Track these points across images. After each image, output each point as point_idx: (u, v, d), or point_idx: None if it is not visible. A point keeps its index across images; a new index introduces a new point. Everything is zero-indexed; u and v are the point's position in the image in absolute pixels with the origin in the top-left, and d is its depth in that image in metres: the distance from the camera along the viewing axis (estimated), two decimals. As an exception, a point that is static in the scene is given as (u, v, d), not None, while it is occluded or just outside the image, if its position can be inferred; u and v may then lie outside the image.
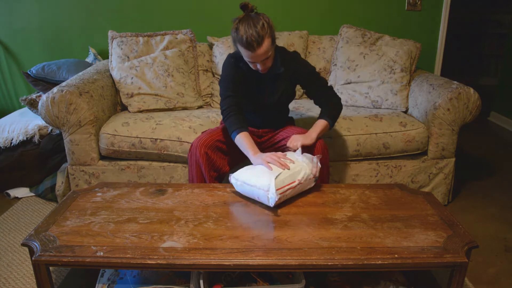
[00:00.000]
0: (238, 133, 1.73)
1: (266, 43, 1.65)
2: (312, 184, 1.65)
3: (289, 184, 1.53)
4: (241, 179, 1.58)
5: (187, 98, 2.49)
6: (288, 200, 1.57)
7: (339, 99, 1.90)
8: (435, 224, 1.43)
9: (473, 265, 1.85)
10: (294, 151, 1.73)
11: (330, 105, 1.87)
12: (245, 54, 1.68)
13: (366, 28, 2.74)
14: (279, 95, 1.90)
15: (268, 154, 1.63)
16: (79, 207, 1.52)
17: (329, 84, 1.96)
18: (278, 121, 2.03)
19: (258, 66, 1.73)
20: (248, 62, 1.75)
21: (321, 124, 1.82)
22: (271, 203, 1.47)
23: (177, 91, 2.46)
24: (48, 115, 2.07)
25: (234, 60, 1.85)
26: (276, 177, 1.50)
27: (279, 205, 1.53)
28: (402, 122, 2.24)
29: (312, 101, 1.98)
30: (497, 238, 2.10)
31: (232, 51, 1.98)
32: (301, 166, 1.59)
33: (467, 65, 5.62)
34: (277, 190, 1.47)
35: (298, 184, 1.55)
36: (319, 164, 1.65)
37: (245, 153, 1.72)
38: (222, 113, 1.82)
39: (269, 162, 1.58)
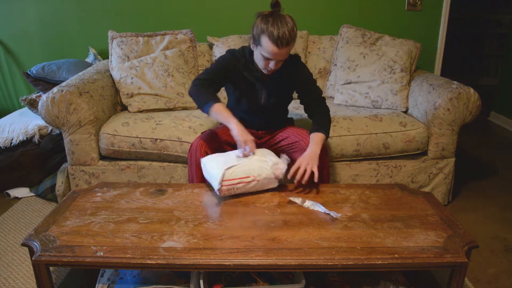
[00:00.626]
0: (214, 103, 1.67)
1: (291, 46, 1.66)
2: (275, 185, 1.64)
3: (241, 178, 1.55)
4: (205, 165, 1.63)
5: (187, 98, 2.48)
6: (288, 200, 1.57)
7: (329, 112, 1.90)
8: (435, 224, 1.43)
9: (473, 265, 1.85)
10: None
11: (325, 119, 1.86)
12: (268, 49, 1.63)
13: (366, 28, 2.74)
14: (276, 97, 1.90)
15: (249, 140, 1.63)
16: (79, 207, 1.52)
17: (323, 94, 1.96)
18: (277, 123, 2.03)
19: (271, 65, 1.69)
20: (261, 58, 1.69)
21: (321, 138, 1.77)
22: (216, 192, 1.54)
23: (177, 91, 2.46)
24: (48, 115, 2.07)
25: (233, 56, 1.82)
26: (229, 168, 1.53)
27: (279, 205, 1.54)
28: (402, 122, 2.24)
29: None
30: (497, 238, 2.10)
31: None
32: (262, 163, 1.59)
33: (467, 65, 5.62)
34: (224, 180, 1.51)
35: (252, 181, 1.57)
36: (285, 167, 1.62)
37: (226, 122, 1.67)
38: (191, 84, 1.76)
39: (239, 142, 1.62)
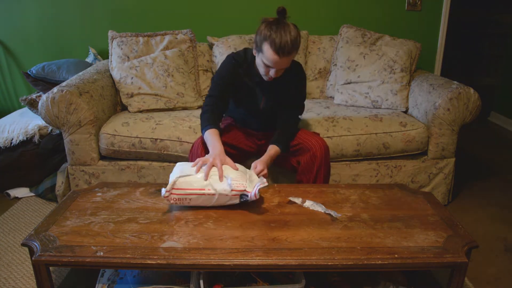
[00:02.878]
0: (207, 130, 1.72)
1: (293, 55, 1.64)
2: (235, 202, 1.49)
3: (192, 189, 1.45)
4: (176, 168, 1.57)
5: (187, 98, 2.49)
6: (288, 200, 1.57)
7: (297, 127, 1.94)
8: (435, 224, 1.43)
9: (473, 265, 1.85)
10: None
11: (289, 134, 1.89)
12: (269, 57, 1.62)
13: (366, 28, 2.74)
14: (274, 102, 1.90)
15: (216, 157, 1.55)
16: (79, 207, 1.52)
17: (304, 108, 2.04)
18: (275, 125, 2.03)
19: (271, 73, 1.68)
20: (262, 65, 1.69)
21: (276, 152, 1.81)
22: (164, 199, 1.46)
23: (177, 91, 2.46)
24: (48, 115, 2.07)
25: (235, 62, 1.82)
26: (181, 176, 1.46)
27: (279, 205, 1.54)
28: (402, 122, 2.24)
29: (308, 101, 1.98)
30: (497, 238, 2.10)
31: (231, 51, 1.97)
32: (221, 181, 1.49)
33: (467, 65, 5.62)
34: (173, 188, 1.45)
35: (202, 194, 1.46)
36: (250, 190, 1.48)
37: (209, 147, 1.68)
38: (203, 106, 1.83)
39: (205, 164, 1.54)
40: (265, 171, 1.72)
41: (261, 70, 1.72)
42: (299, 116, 2.03)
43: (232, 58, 1.84)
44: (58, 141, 2.44)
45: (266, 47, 1.61)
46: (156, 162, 2.19)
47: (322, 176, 1.82)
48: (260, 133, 2.02)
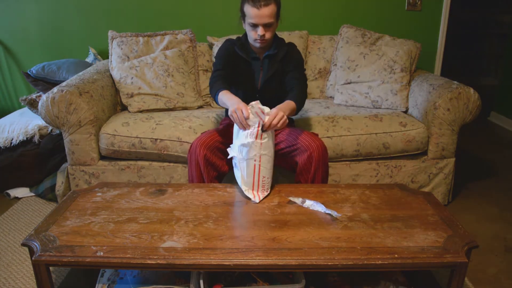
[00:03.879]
0: (220, 91, 1.77)
1: (272, 7, 1.77)
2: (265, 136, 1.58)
3: (260, 177, 1.59)
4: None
5: (187, 98, 2.49)
6: (288, 200, 1.57)
7: (306, 96, 1.96)
8: (435, 224, 1.43)
9: (473, 265, 1.85)
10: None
11: (300, 95, 1.86)
12: (251, 13, 1.76)
13: (366, 28, 2.73)
14: (272, 74, 1.96)
15: (240, 107, 1.58)
16: (79, 207, 1.52)
17: (307, 81, 2.11)
18: None
19: (258, 31, 1.79)
20: (250, 28, 1.82)
21: (291, 105, 1.76)
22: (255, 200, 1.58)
23: (177, 91, 2.46)
24: (48, 115, 2.07)
25: (229, 43, 1.98)
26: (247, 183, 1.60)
27: (279, 205, 1.54)
28: (402, 122, 2.24)
29: (308, 101, 1.99)
30: (497, 238, 2.10)
31: None
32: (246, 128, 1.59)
33: (467, 65, 5.62)
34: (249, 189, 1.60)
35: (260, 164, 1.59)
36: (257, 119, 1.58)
37: (228, 102, 1.69)
38: (209, 81, 1.91)
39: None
40: (282, 114, 1.62)
41: (251, 35, 1.85)
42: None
43: (227, 40, 2.00)
44: (58, 141, 2.44)
45: (247, 8, 1.78)
46: (156, 162, 2.19)
47: (320, 177, 1.82)
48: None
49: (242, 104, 1.59)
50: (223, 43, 2.00)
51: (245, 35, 1.96)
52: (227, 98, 1.72)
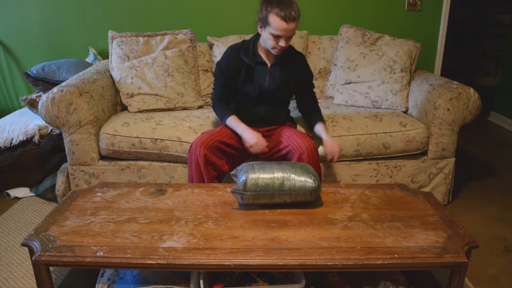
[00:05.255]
0: (227, 118, 1.94)
1: (297, 22, 1.80)
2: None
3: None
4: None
5: (187, 98, 2.49)
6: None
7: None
8: (435, 224, 1.43)
9: (473, 265, 1.85)
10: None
11: (320, 114, 2.10)
12: (278, 26, 1.76)
13: (366, 28, 2.74)
14: (279, 82, 1.97)
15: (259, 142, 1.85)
16: (79, 207, 1.52)
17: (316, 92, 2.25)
18: (279, 115, 2.04)
19: (280, 43, 1.82)
20: (270, 38, 1.82)
21: (326, 127, 2.03)
22: None
23: (177, 91, 2.46)
24: (48, 115, 2.07)
25: (232, 49, 1.97)
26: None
27: (279, 205, 1.54)
28: (402, 122, 2.24)
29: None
30: (497, 238, 2.10)
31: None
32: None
33: (467, 65, 5.62)
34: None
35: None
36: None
37: (238, 130, 1.91)
38: (212, 100, 2.04)
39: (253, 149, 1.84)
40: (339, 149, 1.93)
41: (269, 43, 1.84)
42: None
43: (230, 47, 2.00)
44: (58, 141, 2.44)
45: (273, 18, 1.76)
46: (156, 162, 2.19)
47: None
48: (261, 130, 2.01)
49: (259, 141, 1.84)
50: (225, 52, 1.99)
51: (255, 39, 1.96)
52: (237, 127, 1.92)
